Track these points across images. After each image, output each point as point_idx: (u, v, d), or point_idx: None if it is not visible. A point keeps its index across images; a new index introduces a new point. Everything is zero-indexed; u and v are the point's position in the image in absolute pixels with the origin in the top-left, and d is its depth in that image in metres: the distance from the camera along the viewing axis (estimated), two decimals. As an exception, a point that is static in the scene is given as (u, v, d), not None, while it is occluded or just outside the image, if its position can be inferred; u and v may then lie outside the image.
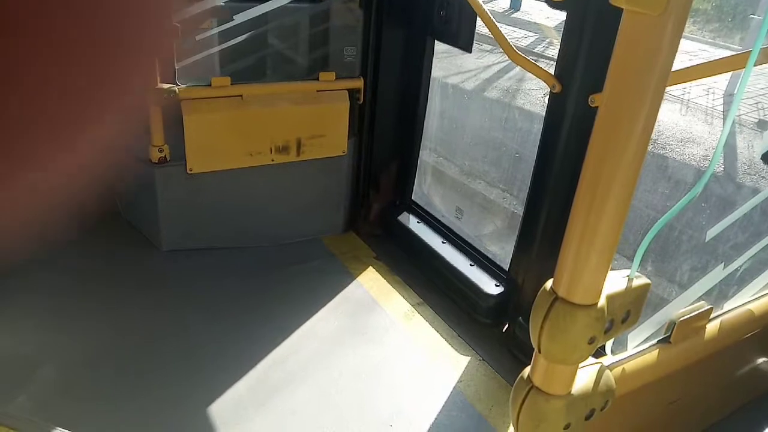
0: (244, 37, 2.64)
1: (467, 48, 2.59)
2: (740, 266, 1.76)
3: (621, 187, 1.05)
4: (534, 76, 2.21)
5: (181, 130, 2.61)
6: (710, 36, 8.30)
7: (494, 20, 2.19)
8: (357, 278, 2.88)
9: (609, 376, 1.38)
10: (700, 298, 1.67)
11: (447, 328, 2.59)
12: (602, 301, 1.17)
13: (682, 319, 1.61)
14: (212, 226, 2.93)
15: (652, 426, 1.86)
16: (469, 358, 2.44)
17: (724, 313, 1.81)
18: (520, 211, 2.85)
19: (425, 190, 4.14)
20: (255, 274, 2.84)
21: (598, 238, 1.09)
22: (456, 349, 2.48)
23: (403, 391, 2.25)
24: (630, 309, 1.27)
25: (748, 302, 1.88)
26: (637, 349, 1.60)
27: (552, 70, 2.11)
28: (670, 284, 3.77)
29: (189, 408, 2.08)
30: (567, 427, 1.29)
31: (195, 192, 2.80)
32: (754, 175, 5.06)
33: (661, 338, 1.64)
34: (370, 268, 2.97)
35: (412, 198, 3.28)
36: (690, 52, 7.33)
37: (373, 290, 2.81)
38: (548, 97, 2.19)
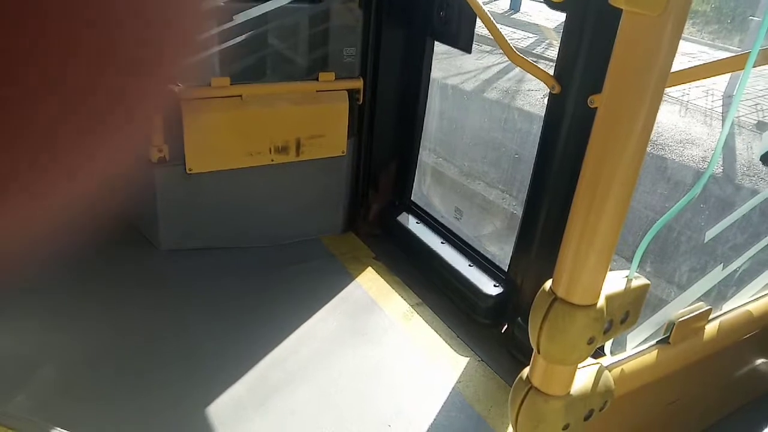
0: (243, 37, 2.64)
1: (467, 49, 2.59)
2: (739, 267, 1.76)
3: (620, 187, 1.05)
4: (533, 77, 2.21)
5: (181, 130, 2.61)
6: (710, 37, 8.31)
7: (494, 21, 2.19)
8: (356, 278, 2.88)
9: (608, 376, 1.38)
10: (699, 299, 1.67)
11: (446, 328, 2.59)
12: (601, 302, 1.18)
13: (681, 319, 1.61)
14: (211, 226, 2.93)
15: (651, 426, 1.86)
16: (468, 358, 2.44)
17: (723, 314, 1.81)
18: (519, 211, 2.86)
19: (425, 190, 4.14)
20: (254, 275, 2.84)
21: (598, 238, 1.09)
22: (455, 350, 2.48)
23: (402, 391, 2.25)
24: (629, 309, 1.27)
25: (747, 303, 1.88)
26: (636, 349, 1.60)
27: (551, 71, 2.11)
28: (669, 285, 3.77)
29: (188, 408, 2.07)
30: (566, 427, 1.29)
31: (194, 192, 2.80)
32: (753, 176, 5.06)
33: (660, 339, 1.65)
34: (369, 268, 2.97)
35: (412, 198, 3.28)
36: (689, 53, 7.33)
37: (372, 290, 2.81)
38: (547, 98, 2.19)
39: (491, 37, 2.21)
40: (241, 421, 2.04)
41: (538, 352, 1.21)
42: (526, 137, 5.95)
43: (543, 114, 2.23)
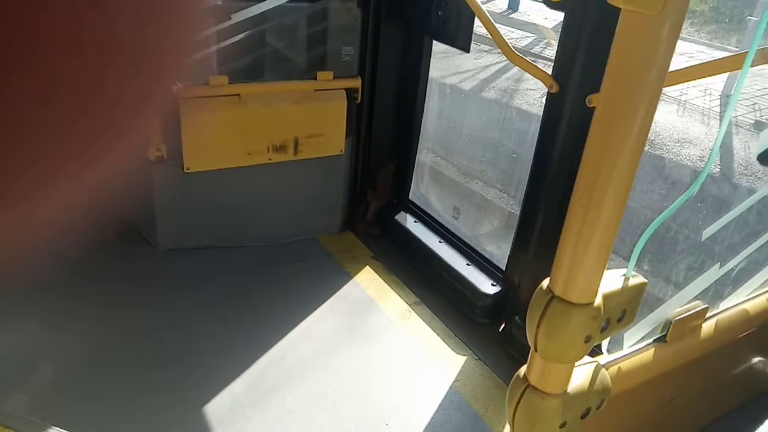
0: (241, 36, 2.64)
1: (465, 48, 2.59)
2: (736, 266, 1.76)
3: (617, 186, 1.06)
4: (532, 77, 2.21)
5: (179, 129, 2.61)
6: (708, 37, 8.32)
7: (492, 20, 2.20)
8: (354, 277, 2.88)
9: (605, 374, 1.39)
10: (695, 298, 1.67)
11: (444, 327, 2.60)
12: (598, 300, 1.18)
13: (677, 318, 1.62)
14: (209, 225, 2.93)
15: (648, 425, 1.86)
16: (465, 357, 2.44)
17: (720, 312, 1.82)
18: (517, 210, 2.86)
19: (423, 189, 4.14)
20: (252, 274, 2.84)
21: (595, 237, 1.09)
22: (453, 349, 2.48)
23: (399, 390, 2.25)
24: (626, 308, 1.28)
25: (744, 302, 1.89)
26: (633, 348, 1.61)
27: (550, 71, 2.11)
28: (666, 284, 3.78)
29: (186, 407, 2.07)
30: (563, 425, 1.30)
31: (192, 191, 2.80)
32: (750, 176, 5.08)
33: (657, 337, 1.65)
34: (367, 267, 2.97)
35: (410, 197, 3.28)
36: (687, 53, 7.35)
37: (370, 289, 2.81)
38: (546, 97, 2.19)
39: (490, 36, 2.21)
40: (239, 419, 2.04)
41: (536, 350, 1.21)
42: (524, 136, 5.95)
43: (541, 113, 2.24)
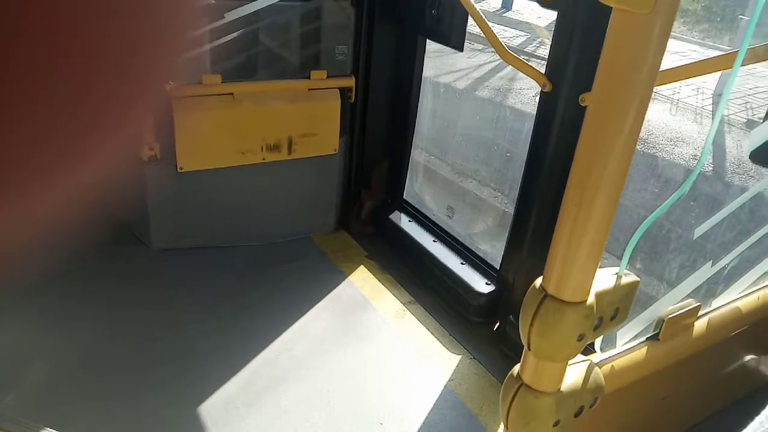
0: (234, 35, 2.63)
1: (459, 47, 2.59)
2: (728, 264, 1.77)
3: (609, 184, 1.06)
4: (525, 76, 2.22)
5: (172, 128, 2.60)
6: (700, 36, 8.36)
7: (486, 19, 2.20)
8: (348, 277, 2.88)
9: (598, 373, 1.39)
10: (688, 296, 1.68)
11: (438, 326, 2.60)
12: (591, 299, 1.18)
13: (670, 316, 1.63)
14: (203, 224, 2.92)
15: (641, 423, 1.87)
16: (460, 356, 2.44)
17: (712, 310, 1.83)
18: (511, 209, 2.86)
19: (417, 188, 4.15)
20: (246, 273, 2.83)
21: (587, 235, 1.09)
22: (447, 348, 2.49)
23: (394, 389, 2.26)
24: (619, 306, 1.28)
25: (736, 300, 1.90)
26: (626, 346, 1.61)
27: (543, 70, 2.11)
28: (658, 282, 3.79)
29: (181, 407, 2.07)
30: (556, 424, 1.30)
31: (186, 190, 2.79)
32: (743, 174, 5.11)
33: (649, 336, 1.66)
34: (362, 266, 2.97)
35: (404, 197, 3.28)
36: (680, 52, 7.38)
37: (364, 289, 2.81)
38: (539, 96, 2.20)
39: (483, 35, 2.21)
40: (233, 419, 2.04)
41: (529, 348, 1.21)
42: (517, 135, 5.97)
43: (534, 112, 2.24)
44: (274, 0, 2.59)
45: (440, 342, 2.51)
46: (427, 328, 2.58)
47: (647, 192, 4.89)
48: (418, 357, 2.44)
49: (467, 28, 2.54)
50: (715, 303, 1.87)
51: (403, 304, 2.72)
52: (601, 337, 1.42)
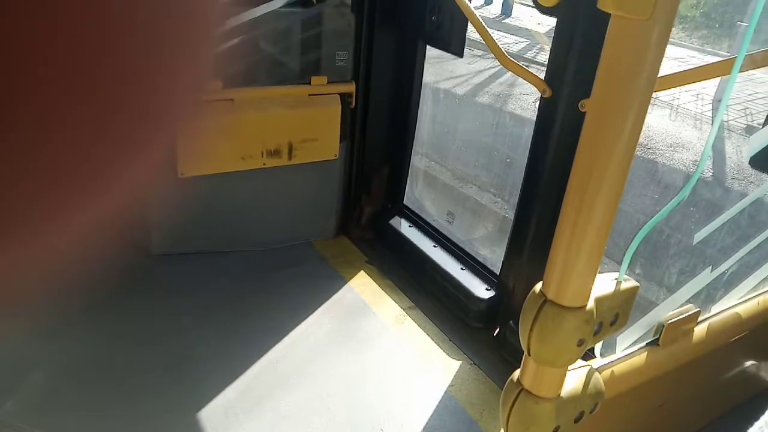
0: (235, 41, 2.64)
1: (459, 53, 2.60)
2: (727, 270, 1.77)
3: (609, 190, 1.06)
4: (525, 81, 2.22)
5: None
6: (698, 43, 8.39)
7: (485, 26, 2.21)
8: (348, 282, 2.88)
9: (598, 378, 1.39)
10: (687, 301, 1.68)
11: (438, 332, 2.60)
12: (591, 304, 1.18)
13: (670, 322, 1.63)
14: (203, 230, 2.92)
15: (641, 428, 1.87)
16: (460, 362, 2.44)
17: (712, 316, 1.83)
18: (511, 215, 2.86)
19: (417, 194, 4.15)
20: (246, 278, 2.83)
21: (587, 240, 1.10)
22: (447, 353, 2.48)
23: (394, 395, 2.25)
24: (618, 312, 1.28)
25: (736, 305, 1.90)
26: (625, 351, 1.61)
27: (543, 76, 2.12)
28: (658, 288, 3.79)
29: (180, 413, 2.06)
30: (556, 429, 1.30)
31: (186, 196, 2.79)
32: (742, 179, 5.11)
33: (649, 341, 1.66)
34: (362, 272, 2.97)
35: (404, 202, 3.28)
36: (679, 58, 7.40)
37: (364, 294, 2.81)
38: (539, 102, 2.20)
39: (483, 41, 2.22)
40: (233, 425, 2.04)
41: (529, 354, 1.21)
42: (517, 141, 5.97)
43: (534, 118, 2.25)
44: (275, 6, 2.60)
45: (440, 347, 2.51)
46: (427, 334, 2.58)
47: (647, 197, 4.89)
48: (418, 362, 2.43)
49: (467, 34, 2.55)
50: (715, 308, 1.87)
51: (404, 309, 2.72)
52: (601, 342, 1.42)
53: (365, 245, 3.18)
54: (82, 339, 2.31)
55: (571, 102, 2.00)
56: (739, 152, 5.70)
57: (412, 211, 3.24)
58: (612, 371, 1.52)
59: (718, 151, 5.53)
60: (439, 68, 6.78)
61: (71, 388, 2.10)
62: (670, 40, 0.98)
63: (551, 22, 2.07)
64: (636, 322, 1.60)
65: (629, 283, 1.30)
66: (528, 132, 2.32)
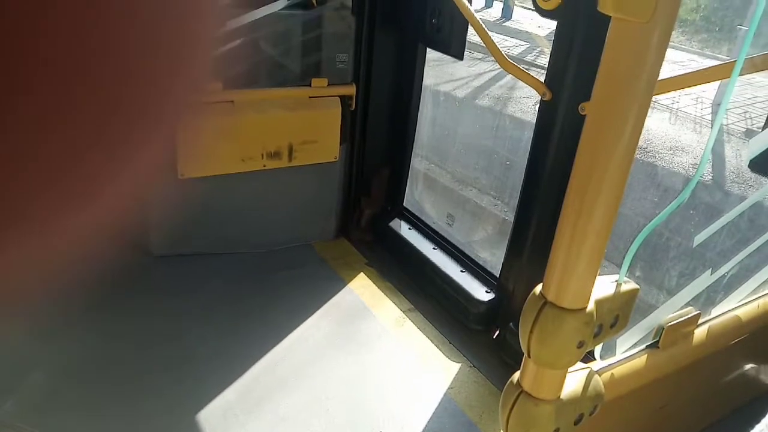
0: (236, 42, 2.64)
1: (459, 56, 2.61)
2: (727, 272, 1.77)
3: (609, 192, 1.06)
4: (525, 84, 2.23)
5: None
6: (698, 46, 8.40)
7: (486, 29, 2.21)
8: (348, 284, 2.88)
9: (598, 380, 1.39)
10: (687, 304, 1.68)
11: (438, 334, 2.60)
12: (591, 306, 1.18)
13: (670, 324, 1.63)
14: (203, 231, 2.92)
15: (641, 431, 1.87)
16: (459, 364, 2.44)
17: (712, 318, 1.83)
18: (510, 217, 2.87)
19: (417, 196, 4.15)
20: (246, 280, 2.83)
21: (587, 243, 1.10)
22: (447, 356, 2.48)
23: (393, 397, 2.25)
24: (618, 314, 1.28)
25: (735, 308, 1.90)
26: (625, 354, 1.61)
27: (543, 79, 2.12)
28: (658, 290, 3.79)
29: (179, 414, 2.06)
30: (556, 431, 1.30)
31: (186, 197, 2.79)
32: (742, 183, 5.12)
33: (649, 343, 1.66)
34: (362, 274, 2.97)
35: (404, 204, 3.29)
36: (679, 61, 7.41)
37: (364, 296, 2.81)
38: (539, 105, 2.20)
39: (483, 44, 2.22)
40: (232, 427, 2.03)
41: (529, 356, 1.21)
42: (517, 144, 5.98)
43: (534, 121, 2.25)
44: (276, 8, 2.61)
45: (440, 350, 2.51)
46: (426, 336, 2.58)
47: (646, 201, 4.89)
48: (417, 365, 2.43)
49: (467, 37, 2.55)
50: (715, 311, 1.87)
51: (403, 311, 2.72)
52: (601, 344, 1.43)
53: (365, 247, 3.18)
54: (81, 339, 2.31)
55: (571, 105, 2.00)
56: (738, 155, 5.71)
57: (412, 214, 3.24)
58: (612, 373, 1.52)
59: (717, 154, 5.54)
60: (439, 71, 6.79)
61: (71, 388, 2.10)
62: (669, 43, 0.98)
63: (551, 25, 2.08)
64: (636, 325, 1.60)
65: (629, 285, 1.30)
66: (528, 135, 2.33)
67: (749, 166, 1.71)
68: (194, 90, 0.26)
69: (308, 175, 3.01)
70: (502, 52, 2.17)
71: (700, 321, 1.73)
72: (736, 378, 2.10)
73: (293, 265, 2.98)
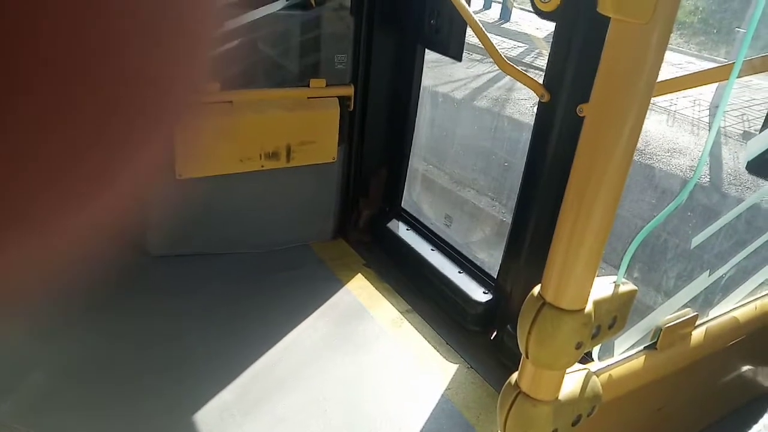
0: (234, 43, 2.64)
1: (457, 57, 2.61)
2: (725, 274, 1.78)
3: (607, 194, 1.06)
4: (523, 86, 2.23)
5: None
6: (696, 49, 8.42)
7: (484, 30, 2.21)
8: (346, 285, 2.88)
9: (596, 382, 1.39)
10: (685, 305, 1.69)
11: (435, 335, 2.60)
12: (589, 307, 1.19)
13: (668, 325, 1.63)
14: (201, 231, 2.92)
15: (639, 433, 1.87)
16: (457, 365, 2.44)
17: (710, 320, 1.83)
18: (508, 219, 2.87)
19: (415, 197, 4.15)
20: (244, 281, 2.83)
21: (585, 244, 1.10)
22: (444, 357, 2.48)
23: (391, 398, 2.25)
24: (617, 315, 1.29)
25: (733, 310, 1.90)
26: (623, 355, 1.62)
27: (541, 80, 2.13)
28: (656, 292, 3.80)
29: (177, 415, 2.06)
30: (554, 432, 1.30)
31: (184, 197, 2.79)
32: (739, 185, 5.13)
33: (647, 345, 1.66)
34: (359, 275, 2.97)
35: (402, 205, 3.29)
36: (677, 64, 7.43)
37: (362, 297, 2.80)
38: (537, 106, 2.21)
39: (482, 45, 2.23)
40: (229, 427, 2.03)
41: (527, 356, 1.21)
42: (515, 145, 5.99)
43: (532, 122, 2.25)
44: (275, 9, 2.61)
45: (437, 351, 2.51)
46: (424, 337, 2.58)
47: (644, 203, 4.90)
48: (415, 366, 2.43)
49: (466, 38, 2.55)
50: (713, 312, 1.88)
51: (401, 312, 2.72)
52: (599, 345, 1.43)
53: (363, 248, 3.18)
54: (81, 339, 2.31)
55: (569, 106, 2.01)
56: (735, 158, 5.72)
57: (410, 215, 3.24)
58: (610, 375, 1.52)
59: (715, 156, 5.55)
60: (437, 72, 6.80)
61: (69, 389, 2.09)
62: (668, 45, 0.98)
63: (550, 27, 2.08)
64: (634, 326, 1.61)
65: (627, 286, 1.30)
66: (526, 136, 2.32)
67: (746, 169, 1.71)
68: (193, 90, 0.26)
69: (306, 176, 3.01)
70: (501, 54, 2.18)
71: (697, 322, 1.74)
72: (733, 379, 2.11)
73: (291, 266, 2.97)
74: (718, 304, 1.90)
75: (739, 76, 1.26)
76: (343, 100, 2.94)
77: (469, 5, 2.32)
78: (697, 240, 1.66)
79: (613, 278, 1.31)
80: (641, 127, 1.04)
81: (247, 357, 2.34)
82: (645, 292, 3.70)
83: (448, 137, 6.29)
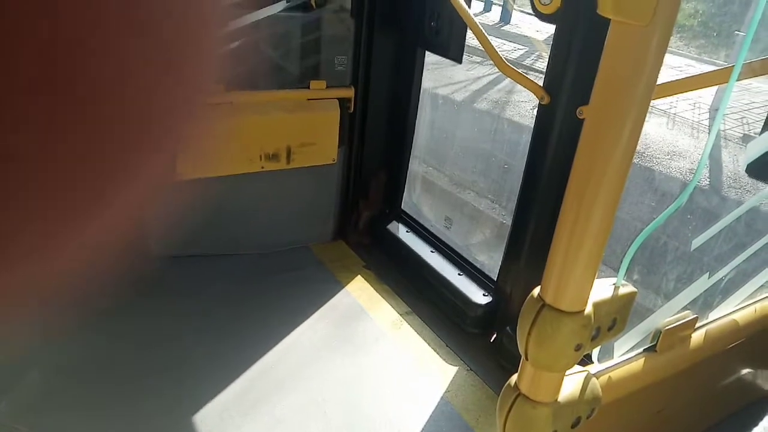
0: (234, 44, 2.64)
1: (457, 59, 2.61)
2: (725, 277, 1.78)
3: (607, 196, 1.07)
4: (523, 88, 2.23)
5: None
6: (697, 52, 8.43)
7: (485, 32, 2.22)
8: (345, 287, 2.88)
9: (595, 384, 1.39)
10: (685, 308, 1.69)
11: (435, 337, 2.59)
12: (589, 309, 1.19)
13: (667, 328, 1.63)
14: (201, 232, 2.91)
15: (638, 435, 1.87)
16: (456, 368, 2.44)
17: (709, 322, 1.83)
18: (508, 221, 2.87)
19: (415, 199, 4.16)
20: (243, 282, 2.83)
21: (585, 245, 1.10)
22: (444, 359, 2.48)
23: (390, 400, 2.25)
24: (616, 317, 1.29)
25: (733, 312, 1.90)
26: (623, 357, 1.62)
27: (541, 83, 2.13)
28: (656, 294, 3.80)
29: (176, 415, 2.06)
30: (553, 434, 1.30)
31: (184, 198, 2.78)
32: (739, 188, 5.13)
33: (647, 347, 1.66)
34: (359, 276, 2.97)
35: (402, 207, 3.29)
36: (677, 67, 7.43)
37: (361, 299, 2.80)
38: (537, 108, 2.21)
39: (482, 48, 2.23)
40: (228, 428, 2.03)
41: (526, 358, 1.21)
42: (515, 147, 5.99)
43: (532, 125, 2.25)
44: (275, 10, 2.61)
45: (437, 353, 2.51)
46: (423, 339, 2.58)
47: (644, 205, 4.90)
48: (414, 368, 2.43)
49: (466, 40, 2.56)
50: (712, 315, 1.88)
51: (400, 314, 2.72)
52: (599, 347, 1.43)
53: (363, 250, 3.18)
54: (79, 340, 2.30)
55: (569, 109, 2.01)
56: (735, 161, 5.73)
57: (410, 216, 3.24)
58: (609, 377, 1.52)
59: (714, 159, 5.56)
60: (438, 74, 6.80)
61: (67, 389, 2.09)
62: (668, 48, 0.99)
63: (550, 29, 2.08)
64: (633, 328, 1.61)
65: (627, 288, 1.30)
66: (526, 138, 2.33)
67: (746, 171, 1.71)
68: (196, 92, 0.26)
69: (306, 178, 3.01)
70: (501, 56, 2.18)
71: (697, 325, 1.74)
72: (733, 382, 2.11)
73: (291, 268, 2.97)
74: (717, 307, 1.90)
75: (738, 79, 1.26)
76: (343, 102, 2.95)
77: (469, 7, 2.32)
78: (696, 242, 1.66)
79: (613, 280, 1.31)
80: (641, 129, 1.04)
81: (247, 358, 2.34)
82: (645, 294, 3.70)
83: (448, 139, 6.29)
